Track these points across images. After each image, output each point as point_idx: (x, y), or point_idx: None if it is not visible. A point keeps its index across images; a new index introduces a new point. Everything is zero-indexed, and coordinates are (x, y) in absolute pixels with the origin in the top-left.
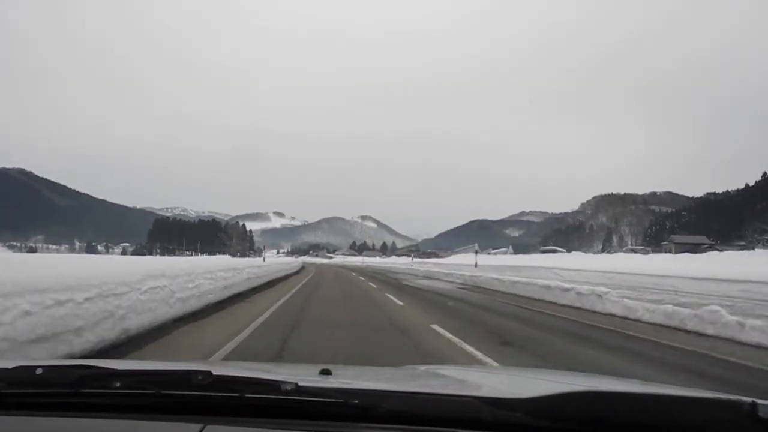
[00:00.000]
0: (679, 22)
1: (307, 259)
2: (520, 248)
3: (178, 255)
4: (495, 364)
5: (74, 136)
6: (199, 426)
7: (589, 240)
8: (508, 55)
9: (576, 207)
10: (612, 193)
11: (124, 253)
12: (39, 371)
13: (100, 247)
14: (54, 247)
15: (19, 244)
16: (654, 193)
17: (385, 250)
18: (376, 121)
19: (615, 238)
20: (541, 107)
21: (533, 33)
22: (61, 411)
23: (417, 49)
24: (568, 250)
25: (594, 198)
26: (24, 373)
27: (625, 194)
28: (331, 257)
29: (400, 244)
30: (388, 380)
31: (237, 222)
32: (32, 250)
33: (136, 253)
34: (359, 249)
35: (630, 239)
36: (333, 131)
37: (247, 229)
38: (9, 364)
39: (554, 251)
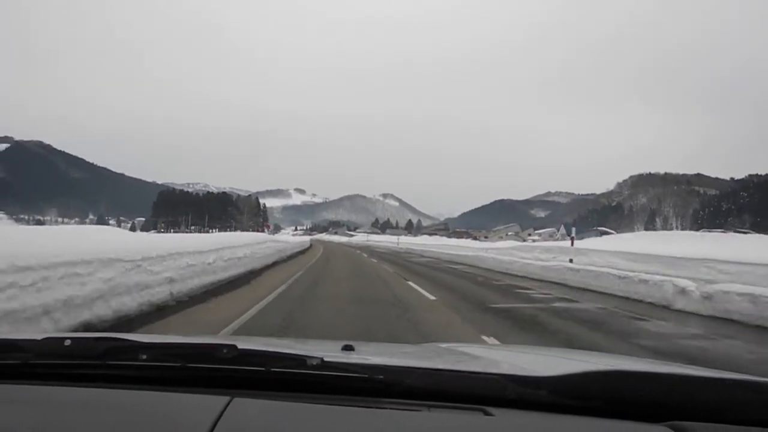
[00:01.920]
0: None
1: (325, 237)
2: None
3: (183, 232)
4: None
5: (105, 116)
6: (226, 398)
7: (629, 221)
8: (534, 35)
9: (611, 187)
10: (651, 173)
11: (133, 228)
12: (67, 342)
13: (111, 221)
14: (63, 220)
15: (27, 217)
16: (698, 174)
17: (411, 228)
18: (400, 101)
19: (658, 220)
20: (566, 88)
21: (557, 12)
22: (88, 382)
23: (443, 30)
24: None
25: (631, 177)
26: (53, 345)
27: (665, 174)
28: (352, 235)
29: (423, 222)
30: (412, 357)
31: (250, 195)
32: (40, 223)
33: (144, 228)
34: (382, 227)
35: (675, 221)
36: (357, 111)
37: (261, 203)
38: (38, 336)
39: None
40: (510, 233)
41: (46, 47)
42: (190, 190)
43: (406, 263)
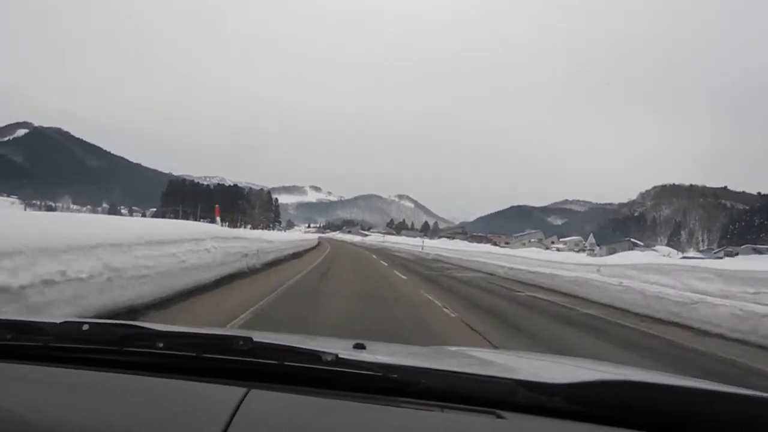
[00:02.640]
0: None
1: (337, 235)
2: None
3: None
4: None
5: (128, 110)
6: (244, 390)
7: (651, 233)
8: (556, 40)
9: (633, 196)
10: (675, 184)
11: (143, 217)
12: (85, 327)
13: (123, 210)
14: (76, 207)
15: (39, 203)
16: (725, 188)
17: (427, 230)
18: (420, 103)
19: (683, 233)
20: (586, 95)
21: (578, 18)
22: (104, 367)
23: (461, 31)
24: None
25: (654, 188)
26: (71, 329)
27: (691, 186)
28: (366, 234)
29: (438, 225)
30: (424, 357)
31: (262, 189)
32: (51, 209)
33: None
34: (397, 228)
35: (701, 235)
36: (376, 112)
37: (273, 197)
38: (57, 319)
39: (635, 244)
40: (533, 240)
41: (73, 38)
42: (206, 183)
43: (463, 288)
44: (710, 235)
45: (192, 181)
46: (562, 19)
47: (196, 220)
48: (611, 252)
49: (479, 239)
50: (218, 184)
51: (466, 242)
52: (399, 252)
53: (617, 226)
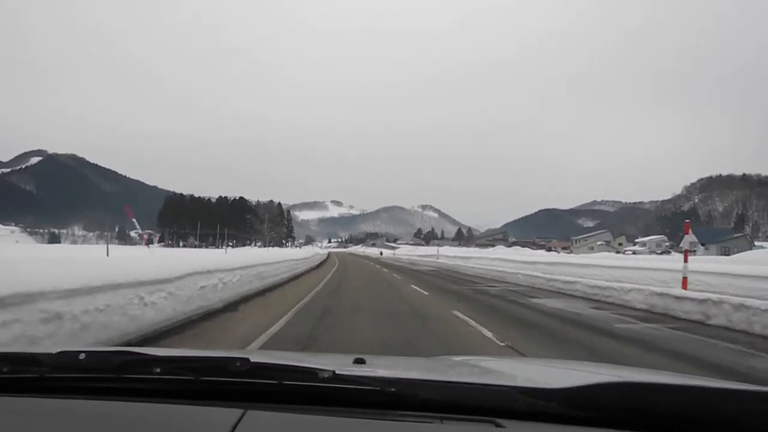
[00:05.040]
0: None
1: (359, 249)
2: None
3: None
4: None
5: (147, 133)
6: (240, 411)
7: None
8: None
9: (678, 191)
10: (724, 175)
11: (150, 241)
12: (82, 356)
13: (132, 233)
14: (81, 234)
15: (42, 231)
16: None
17: (461, 238)
18: (435, 112)
19: (747, 227)
20: (610, 95)
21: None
22: (103, 395)
23: (478, 36)
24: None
25: (699, 181)
26: (67, 358)
27: (744, 175)
28: (394, 247)
29: (472, 232)
30: (423, 369)
31: (271, 201)
32: (54, 237)
33: (160, 241)
34: (426, 237)
35: None
36: (394, 123)
37: (284, 209)
38: (53, 350)
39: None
40: (599, 243)
41: (90, 66)
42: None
43: None
44: None
45: (192, 196)
46: (577, 21)
47: (195, 239)
48: (724, 252)
49: (523, 245)
50: (220, 196)
51: (543, 252)
52: (490, 284)
53: (665, 223)
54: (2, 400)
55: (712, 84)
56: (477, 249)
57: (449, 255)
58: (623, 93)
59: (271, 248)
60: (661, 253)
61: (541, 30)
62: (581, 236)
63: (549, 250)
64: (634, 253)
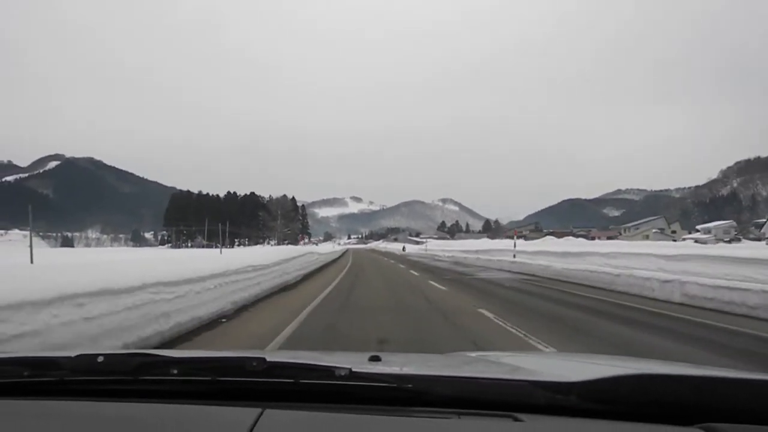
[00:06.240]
0: None
1: (381, 245)
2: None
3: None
4: None
5: (166, 134)
6: (258, 410)
7: (754, 215)
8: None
9: (714, 175)
10: (762, 157)
11: (162, 243)
12: (100, 359)
13: (147, 234)
14: (95, 237)
15: (54, 234)
16: None
17: (489, 229)
18: (452, 105)
19: None
20: (629, 84)
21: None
22: (121, 397)
23: (496, 29)
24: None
25: (737, 164)
26: (86, 361)
27: None
28: (420, 242)
29: (500, 224)
30: (439, 365)
31: (284, 196)
32: (67, 240)
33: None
34: (450, 231)
35: None
36: (412, 118)
37: (299, 204)
38: (72, 353)
39: None
40: (654, 230)
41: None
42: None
43: None
44: None
45: (200, 193)
46: (593, 9)
47: (203, 237)
48: None
49: (559, 236)
50: (229, 192)
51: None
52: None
53: (703, 209)
54: (23, 403)
55: (732, 69)
56: (539, 242)
57: (528, 251)
58: (644, 81)
59: (281, 246)
60: (729, 241)
61: (559, 10)
62: (631, 224)
63: (593, 238)
64: (696, 241)
